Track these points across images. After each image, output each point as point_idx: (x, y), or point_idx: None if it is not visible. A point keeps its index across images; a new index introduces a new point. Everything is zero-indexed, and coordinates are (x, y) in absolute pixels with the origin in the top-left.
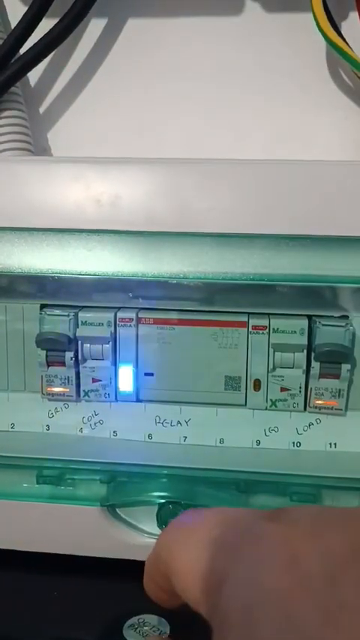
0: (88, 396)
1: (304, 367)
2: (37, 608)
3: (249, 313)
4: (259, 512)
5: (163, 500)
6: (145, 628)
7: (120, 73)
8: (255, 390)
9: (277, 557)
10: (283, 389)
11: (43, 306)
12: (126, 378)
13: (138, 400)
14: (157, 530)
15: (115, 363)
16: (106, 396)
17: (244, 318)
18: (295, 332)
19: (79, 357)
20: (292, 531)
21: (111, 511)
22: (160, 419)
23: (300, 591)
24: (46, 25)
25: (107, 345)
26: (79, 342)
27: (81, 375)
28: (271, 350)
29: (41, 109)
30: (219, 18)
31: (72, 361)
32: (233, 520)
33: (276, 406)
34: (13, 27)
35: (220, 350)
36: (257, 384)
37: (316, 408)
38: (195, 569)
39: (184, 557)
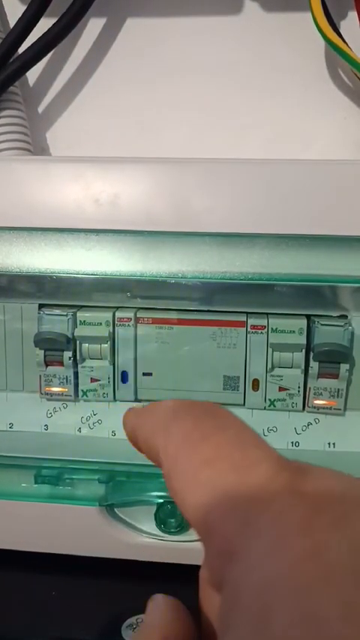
0: (87, 396)
1: (303, 367)
2: (35, 607)
3: (247, 313)
4: (278, 461)
5: (161, 500)
6: None
7: (119, 72)
8: (254, 389)
9: (299, 545)
10: (281, 389)
11: (41, 306)
12: (124, 378)
13: (137, 400)
14: (155, 530)
15: (113, 363)
16: (105, 395)
17: (243, 318)
18: (293, 332)
19: (78, 357)
20: (317, 516)
21: (109, 511)
22: None
23: (322, 584)
24: (44, 25)
25: (106, 345)
26: (78, 341)
27: (79, 374)
28: (270, 350)
29: (40, 109)
30: (218, 17)
31: (70, 361)
32: (248, 468)
33: (275, 406)
34: (11, 26)
35: (218, 350)
36: (256, 384)
37: (314, 407)
38: (201, 510)
39: (189, 486)
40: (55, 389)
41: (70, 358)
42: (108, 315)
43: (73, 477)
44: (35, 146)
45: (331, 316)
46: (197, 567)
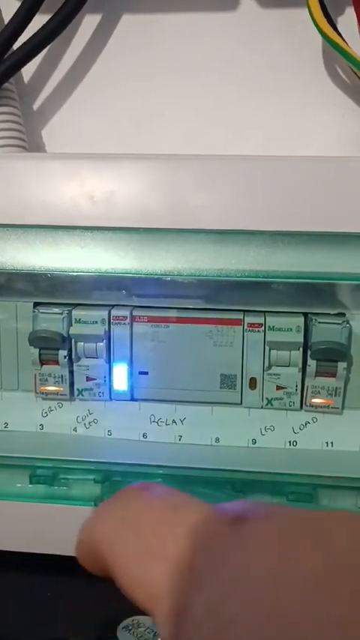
0: (82, 395)
1: (300, 365)
2: (30, 609)
3: (244, 311)
4: (218, 517)
5: None
6: (139, 629)
7: (115, 69)
8: (251, 388)
9: (268, 557)
10: (279, 387)
11: (36, 304)
12: (120, 377)
13: (133, 399)
14: None
15: (109, 362)
16: (101, 394)
17: (240, 316)
18: (291, 330)
19: (73, 356)
20: (282, 529)
21: None
22: (154, 418)
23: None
24: (40, 21)
25: (101, 344)
26: (73, 340)
27: (75, 373)
28: (267, 348)
29: (35, 106)
30: (215, 14)
31: (66, 360)
32: (184, 508)
33: (272, 405)
34: (6, 22)
35: (215, 348)
36: (253, 383)
37: (312, 406)
38: (148, 588)
39: (131, 565)
40: (50, 388)
41: (65, 357)
42: (104, 313)
43: (69, 476)
44: (31, 143)
45: (329, 314)
46: None
